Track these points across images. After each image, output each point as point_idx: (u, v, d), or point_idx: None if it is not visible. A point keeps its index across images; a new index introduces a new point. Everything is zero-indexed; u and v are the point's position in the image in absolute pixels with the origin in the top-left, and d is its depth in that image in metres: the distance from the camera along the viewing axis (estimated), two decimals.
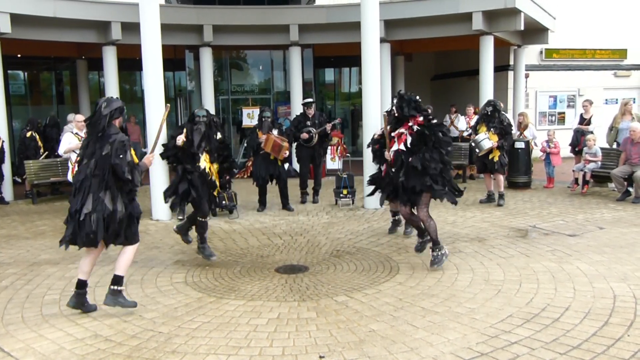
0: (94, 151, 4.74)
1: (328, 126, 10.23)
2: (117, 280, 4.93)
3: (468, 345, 4.17)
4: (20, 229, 8.82)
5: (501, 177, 9.88)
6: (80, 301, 4.97)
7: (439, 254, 6.08)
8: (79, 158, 4.91)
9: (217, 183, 6.72)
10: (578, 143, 11.52)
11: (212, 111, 14.12)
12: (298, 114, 10.98)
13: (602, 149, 10.94)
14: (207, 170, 6.50)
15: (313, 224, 8.71)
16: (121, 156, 4.68)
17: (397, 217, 7.73)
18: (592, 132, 11.45)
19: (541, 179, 12.10)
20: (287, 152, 9.48)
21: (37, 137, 11.99)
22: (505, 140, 9.63)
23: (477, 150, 9.78)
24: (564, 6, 16.61)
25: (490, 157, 9.64)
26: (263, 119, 9.55)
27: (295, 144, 10.40)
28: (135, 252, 5.11)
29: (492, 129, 9.55)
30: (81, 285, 4.94)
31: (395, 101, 6.25)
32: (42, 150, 11.97)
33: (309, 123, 10.25)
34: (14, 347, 4.37)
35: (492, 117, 9.65)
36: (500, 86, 15.69)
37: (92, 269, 5.05)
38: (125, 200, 4.84)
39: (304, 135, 10.11)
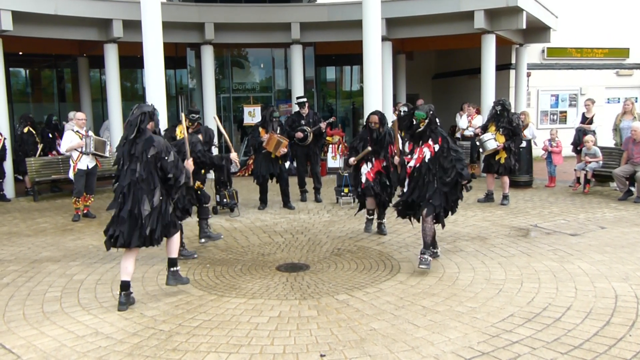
0: (136, 155, 4.96)
1: (322, 125, 10.25)
2: (173, 262, 5.41)
3: (469, 345, 4.17)
4: (22, 226, 8.82)
5: (506, 179, 9.81)
6: (128, 300, 5.11)
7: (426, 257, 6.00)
8: (119, 162, 5.13)
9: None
10: (580, 142, 11.50)
11: (214, 109, 14.21)
12: (292, 112, 10.97)
13: (603, 148, 10.93)
14: None
15: (314, 222, 8.71)
16: (166, 158, 5.00)
17: (371, 217, 7.90)
18: (594, 131, 11.43)
19: (542, 178, 12.08)
20: (285, 149, 9.45)
21: (35, 132, 11.95)
22: (513, 142, 9.48)
23: (481, 149, 9.73)
24: (566, 5, 16.55)
25: (496, 158, 9.58)
26: (273, 119, 9.58)
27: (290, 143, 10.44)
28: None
29: (500, 130, 9.47)
30: (125, 286, 5.08)
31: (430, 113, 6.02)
32: (40, 146, 11.94)
33: (303, 122, 10.28)
34: (15, 344, 4.38)
35: (501, 117, 9.54)
36: (501, 85, 15.66)
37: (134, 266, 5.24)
38: (168, 199, 5.19)
39: (299, 135, 10.14)
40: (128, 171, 4.97)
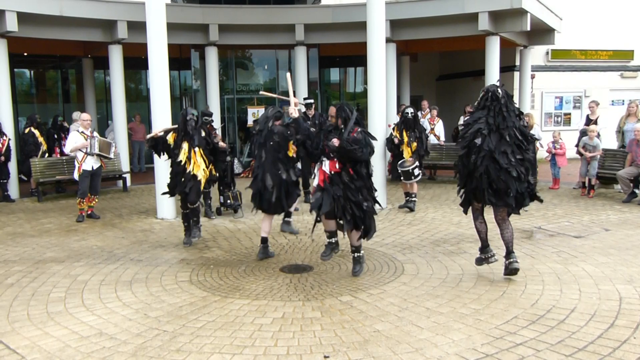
0: (264, 143, 6.53)
1: None
2: (289, 214, 7.51)
3: (473, 346, 4.16)
4: (26, 226, 8.85)
5: None
6: (265, 253, 6.75)
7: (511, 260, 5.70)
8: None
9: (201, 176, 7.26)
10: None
11: (217, 110, 14.22)
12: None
13: (607, 150, 10.89)
14: (184, 164, 7.17)
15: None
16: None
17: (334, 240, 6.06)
18: (598, 133, 11.38)
19: (547, 180, 12.06)
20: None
21: (37, 133, 11.96)
22: None
23: None
24: (570, 7, 16.55)
25: None
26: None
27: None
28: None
29: None
30: (264, 240, 6.77)
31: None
32: (44, 147, 11.96)
33: (309, 123, 10.26)
34: (19, 344, 4.39)
35: None
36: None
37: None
38: None
39: None
40: (258, 155, 6.57)
